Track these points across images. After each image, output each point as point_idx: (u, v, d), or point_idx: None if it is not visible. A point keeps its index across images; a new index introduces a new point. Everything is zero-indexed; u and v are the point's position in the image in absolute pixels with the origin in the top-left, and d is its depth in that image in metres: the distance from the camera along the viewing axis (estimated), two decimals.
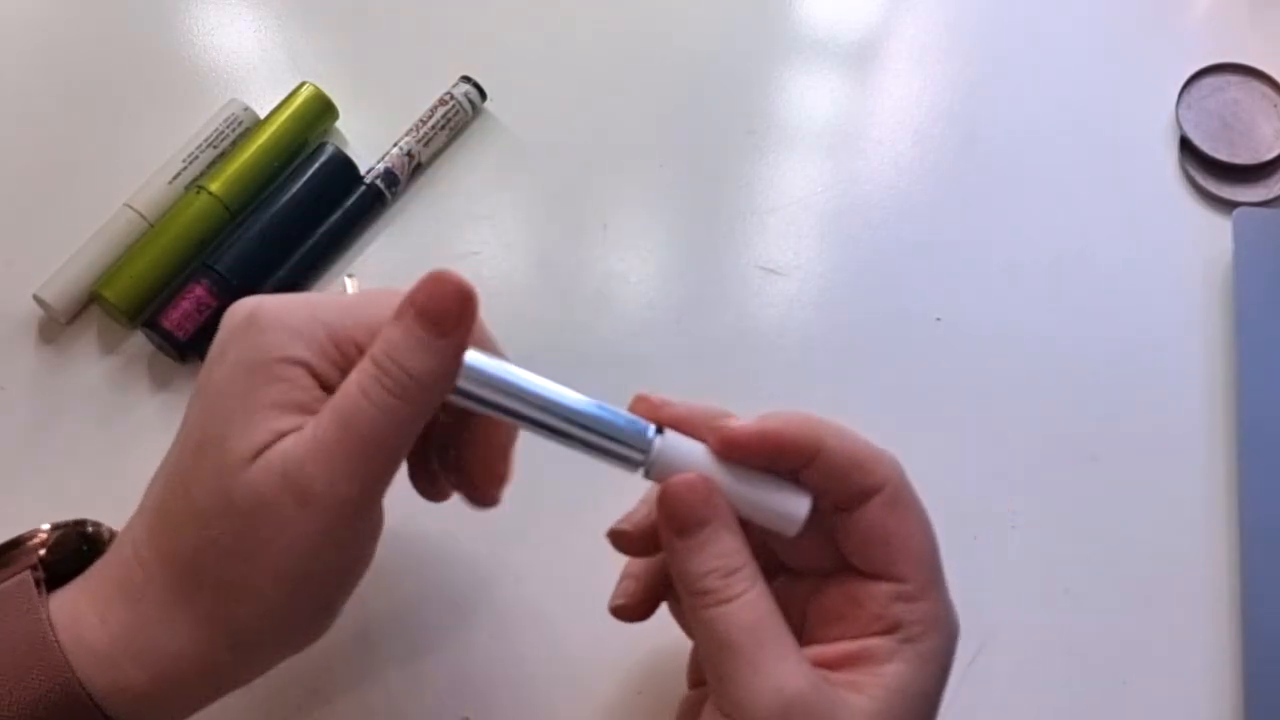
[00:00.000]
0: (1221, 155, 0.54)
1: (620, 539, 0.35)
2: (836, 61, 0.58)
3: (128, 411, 0.48)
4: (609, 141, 0.55)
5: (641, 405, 0.33)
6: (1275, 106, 0.55)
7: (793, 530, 0.32)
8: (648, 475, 0.32)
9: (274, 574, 0.30)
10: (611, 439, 0.31)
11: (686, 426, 0.32)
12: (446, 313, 0.30)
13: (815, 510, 0.32)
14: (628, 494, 0.46)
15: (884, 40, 0.59)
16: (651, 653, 0.43)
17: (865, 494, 0.31)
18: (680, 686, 0.43)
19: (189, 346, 0.48)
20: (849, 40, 0.58)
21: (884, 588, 0.31)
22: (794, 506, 0.32)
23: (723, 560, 0.30)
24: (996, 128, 0.56)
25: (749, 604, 0.30)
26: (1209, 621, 0.44)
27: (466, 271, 0.52)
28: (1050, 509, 0.47)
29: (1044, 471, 0.48)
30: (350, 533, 0.31)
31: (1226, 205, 0.53)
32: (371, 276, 0.51)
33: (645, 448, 0.31)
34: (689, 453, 0.32)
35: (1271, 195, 0.53)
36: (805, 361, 0.50)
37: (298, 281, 0.50)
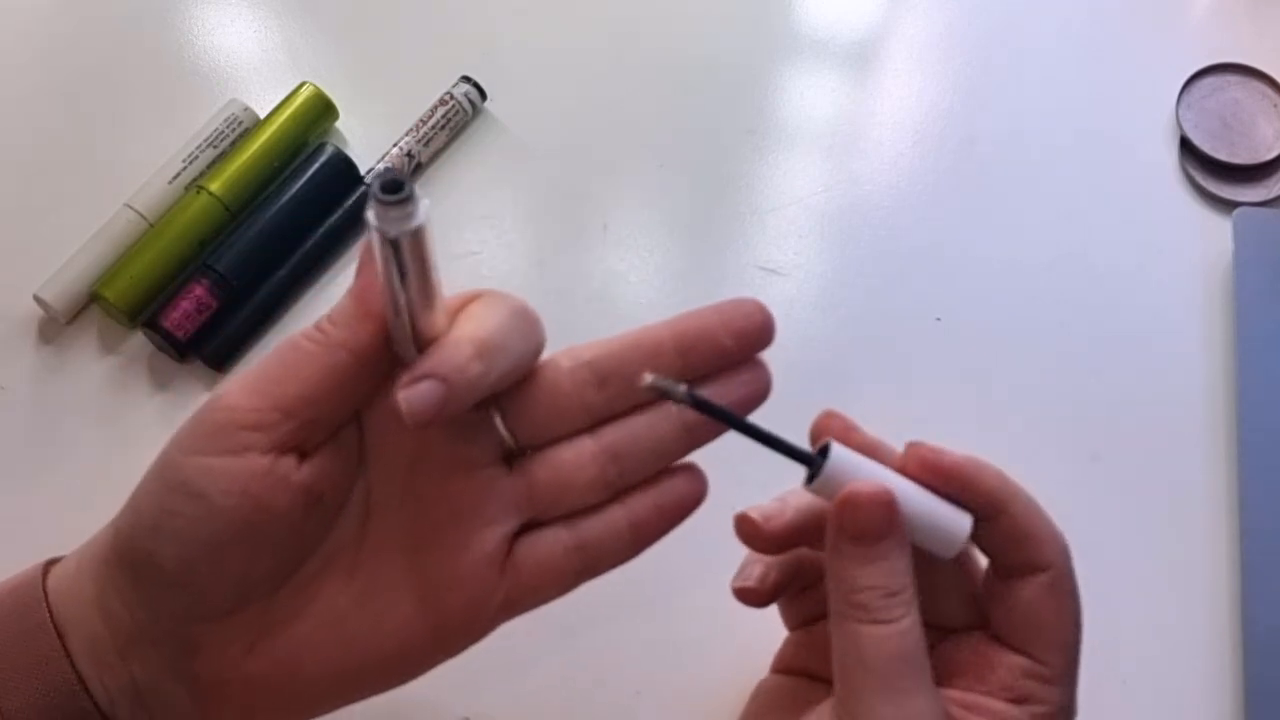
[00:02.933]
0: (1221, 155, 0.54)
1: (747, 528, 0.33)
2: (836, 61, 0.58)
3: (128, 411, 0.48)
4: (609, 141, 0.55)
5: (831, 421, 0.32)
6: (1275, 106, 0.55)
7: (951, 553, 0.31)
8: (810, 483, 0.30)
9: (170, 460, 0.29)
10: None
11: (869, 451, 0.31)
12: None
13: (969, 570, 0.32)
14: None
15: (884, 40, 0.59)
16: (651, 652, 0.43)
17: (1030, 569, 0.31)
18: (678, 687, 0.43)
19: (189, 346, 0.48)
20: (849, 40, 0.58)
21: (1020, 661, 0.31)
22: (957, 528, 0.31)
23: (889, 579, 0.29)
24: (996, 128, 0.56)
25: (901, 632, 0.29)
26: (1209, 621, 0.44)
27: (467, 271, 0.53)
28: (1050, 509, 0.47)
29: (1044, 471, 0.47)
30: (253, 458, 0.29)
31: (1226, 205, 0.53)
32: None
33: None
34: (861, 466, 0.30)
35: (1271, 195, 0.53)
36: (805, 361, 0.50)
37: (297, 281, 0.50)
